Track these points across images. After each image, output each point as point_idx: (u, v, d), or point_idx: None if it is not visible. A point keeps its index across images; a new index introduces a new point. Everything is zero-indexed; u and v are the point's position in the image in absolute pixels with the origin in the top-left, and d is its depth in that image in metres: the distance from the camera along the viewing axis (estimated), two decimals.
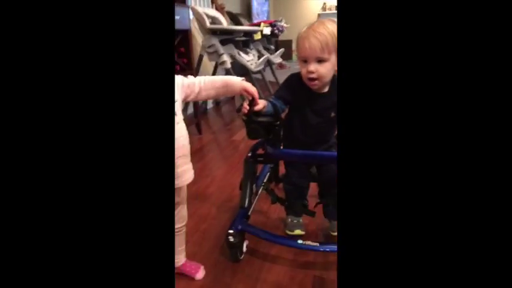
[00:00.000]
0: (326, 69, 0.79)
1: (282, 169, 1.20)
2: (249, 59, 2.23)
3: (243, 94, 0.80)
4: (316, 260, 0.93)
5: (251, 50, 2.39)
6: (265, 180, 1.22)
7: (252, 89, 0.77)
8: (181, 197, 0.81)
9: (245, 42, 2.38)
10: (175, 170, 0.73)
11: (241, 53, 2.18)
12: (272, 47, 2.95)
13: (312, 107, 0.87)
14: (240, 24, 3.06)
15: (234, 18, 3.22)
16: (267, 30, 2.52)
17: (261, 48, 2.68)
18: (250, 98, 0.77)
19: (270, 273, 0.89)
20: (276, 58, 2.83)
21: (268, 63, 2.65)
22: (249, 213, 1.00)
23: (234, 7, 3.84)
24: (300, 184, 0.97)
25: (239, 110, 0.91)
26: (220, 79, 0.80)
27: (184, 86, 0.76)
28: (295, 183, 0.97)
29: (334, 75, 0.84)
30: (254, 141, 1.01)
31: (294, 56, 5.15)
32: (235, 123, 2.37)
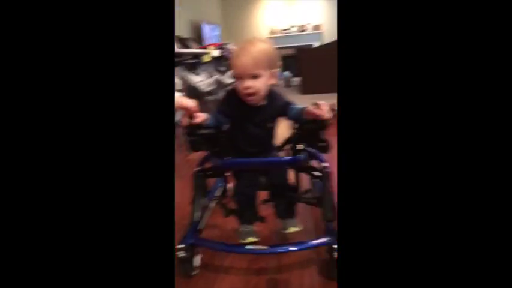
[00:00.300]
0: (260, 84, 0.85)
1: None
2: (199, 80, 2.29)
3: (178, 109, 0.82)
4: (269, 265, 0.95)
5: (202, 71, 2.45)
6: (218, 195, 1.24)
7: (187, 103, 0.80)
8: None
9: (194, 64, 2.44)
10: None
11: (191, 75, 2.23)
12: (223, 68, 3.05)
13: (252, 119, 0.93)
14: (188, 48, 3.14)
15: (182, 42, 3.29)
16: (216, 53, 2.62)
17: (211, 70, 2.76)
18: (191, 112, 0.81)
19: (224, 283, 0.89)
20: (227, 79, 2.93)
21: (219, 83, 2.73)
22: (201, 227, 1.01)
23: (185, 32, 3.92)
24: (248, 193, 1.01)
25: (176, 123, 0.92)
26: None
27: None
28: (243, 192, 1.01)
29: (270, 90, 0.91)
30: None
31: None
32: None
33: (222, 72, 2.97)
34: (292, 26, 6.24)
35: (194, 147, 0.85)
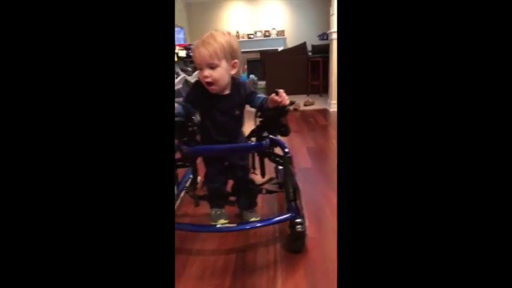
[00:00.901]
0: (219, 74, 0.91)
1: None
2: None
3: None
4: (237, 245, 1.02)
5: None
6: (187, 185, 1.28)
7: None
8: None
9: None
10: None
11: None
12: (189, 68, 3.07)
13: (218, 107, 0.98)
14: None
15: None
16: (183, 53, 2.64)
17: (178, 70, 2.78)
18: None
19: (194, 267, 0.94)
20: (193, 78, 2.96)
21: (187, 83, 2.75)
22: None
23: None
24: (218, 180, 1.07)
25: None
26: None
27: None
28: (213, 180, 1.07)
29: (234, 79, 0.98)
30: None
31: None
32: None
33: (188, 72, 2.99)
34: (257, 31, 6.40)
35: None
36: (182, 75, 2.58)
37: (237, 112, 1.01)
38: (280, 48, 6.07)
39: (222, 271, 0.90)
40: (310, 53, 4.72)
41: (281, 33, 6.36)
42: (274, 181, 1.21)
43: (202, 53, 0.89)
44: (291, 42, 6.11)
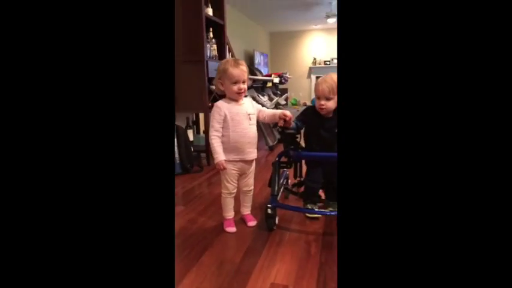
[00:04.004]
0: (331, 104, 1.42)
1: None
2: (265, 100, 2.94)
3: (281, 117, 1.37)
4: (320, 229, 1.45)
5: (265, 94, 3.11)
6: (283, 182, 1.78)
7: (288, 114, 1.38)
8: (250, 170, 1.40)
9: (262, 88, 3.11)
10: (245, 151, 1.32)
11: (259, 95, 2.88)
12: (279, 92, 3.71)
13: (323, 126, 1.48)
14: (255, 75, 3.87)
15: (251, 70, 4.05)
16: (277, 80, 3.28)
17: (270, 93, 3.42)
18: (287, 119, 1.37)
19: (290, 238, 1.32)
20: (281, 100, 3.57)
21: (277, 104, 3.37)
22: (278, 198, 1.54)
23: (240, 58, 4.68)
24: (318, 181, 1.54)
25: (275, 125, 1.52)
26: (271, 110, 1.44)
27: (255, 107, 1.39)
28: (314, 180, 1.53)
29: (336, 107, 1.47)
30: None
31: (288, 102, 6.01)
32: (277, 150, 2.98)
33: (278, 95, 3.62)
34: (334, 58, 6.87)
35: (283, 140, 1.44)
36: (275, 98, 3.20)
37: (335, 131, 1.49)
38: None
39: (309, 244, 1.28)
40: None
41: None
42: None
43: (323, 89, 1.40)
44: None
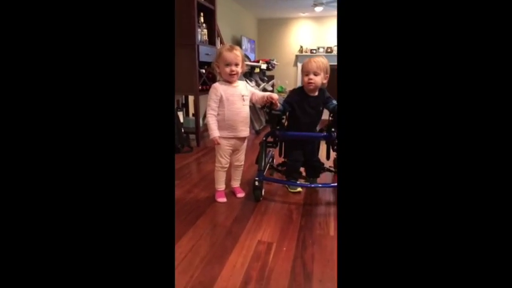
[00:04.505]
0: (319, 79, 1.55)
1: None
2: (252, 85, 3.06)
3: (269, 99, 1.52)
4: (303, 200, 1.64)
5: (252, 79, 3.23)
6: (269, 160, 1.95)
7: (275, 96, 1.53)
8: (242, 146, 1.55)
9: (250, 73, 3.22)
10: (238, 128, 1.46)
11: (247, 80, 3.00)
12: (266, 78, 3.83)
13: (309, 103, 1.63)
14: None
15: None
16: (264, 66, 3.39)
17: (258, 79, 3.53)
18: (274, 101, 1.52)
19: (274, 207, 1.51)
20: (268, 86, 3.70)
21: (264, 90, 3.51)
22: (264, 173, 1.71)
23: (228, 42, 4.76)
24: (299, 160, 1.71)
25: (264, 107, 1.68)
26: (261, 93, 1.58)
27: (249, 90, 1.52)
28: (296, 159, 1.71)
29: (321, 87, 1.62)
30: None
31: (274, 89, 6.14)
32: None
33: (265, 81, 3.74)
34: (320, 47, 7.01)
35: (269, 120, 1.60)
36: (262, 84, 3.33)
37: (319, 108, 1.65)
38: None
39: (291, 211, 1.48)
40: None
41: None
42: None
43: (312, 65, 1.54)
44: None
